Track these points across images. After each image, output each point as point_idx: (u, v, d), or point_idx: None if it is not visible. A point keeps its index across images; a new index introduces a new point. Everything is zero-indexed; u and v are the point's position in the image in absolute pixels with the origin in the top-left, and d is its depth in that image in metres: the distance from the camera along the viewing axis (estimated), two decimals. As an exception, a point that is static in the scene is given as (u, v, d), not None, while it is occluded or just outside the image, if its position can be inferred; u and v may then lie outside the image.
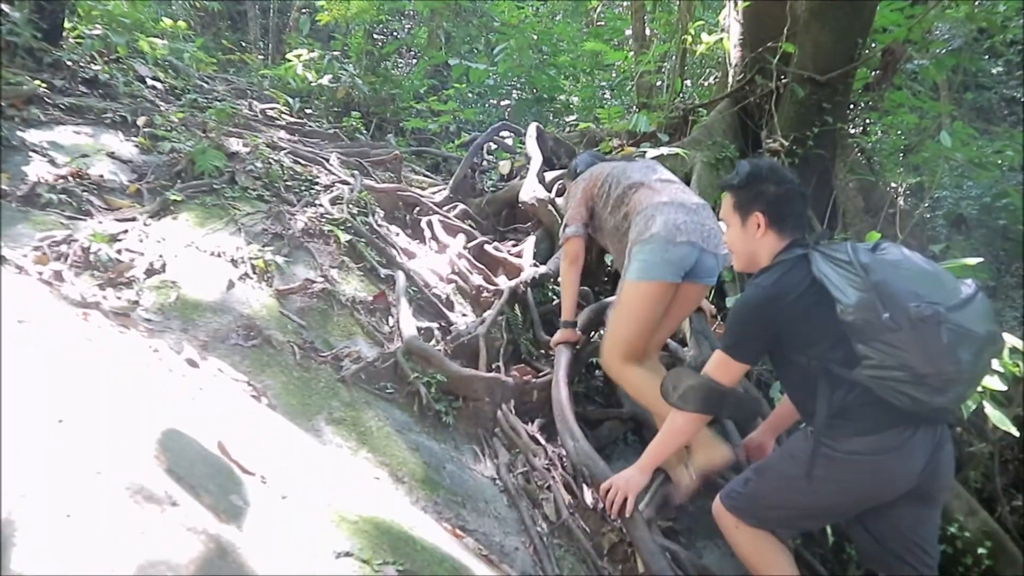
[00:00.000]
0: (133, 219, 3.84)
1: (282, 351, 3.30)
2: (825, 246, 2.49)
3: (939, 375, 2.24)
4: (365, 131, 6.57)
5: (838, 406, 2.41)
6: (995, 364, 3.60)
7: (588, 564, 2.88)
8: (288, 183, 4.72)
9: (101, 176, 4.13)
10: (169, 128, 4.92)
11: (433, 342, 3.74)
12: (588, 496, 3.10)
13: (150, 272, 3.42)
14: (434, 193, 5.28)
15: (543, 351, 3.90)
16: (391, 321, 3.86)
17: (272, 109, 6.45)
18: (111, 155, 4.44)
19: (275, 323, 3.46)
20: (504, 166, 5.44)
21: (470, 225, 4.99)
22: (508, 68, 8.04)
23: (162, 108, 5.34)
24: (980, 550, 3.27)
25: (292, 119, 6.44)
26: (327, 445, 2.84)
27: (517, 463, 3.25)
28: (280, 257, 3.82)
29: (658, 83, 7.02)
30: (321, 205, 4.43)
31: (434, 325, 3.89)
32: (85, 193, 3.93)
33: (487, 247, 4.67)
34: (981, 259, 3.95)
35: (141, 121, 4.93)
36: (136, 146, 4.66)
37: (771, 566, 2.61)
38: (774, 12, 5.18)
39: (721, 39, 5.57)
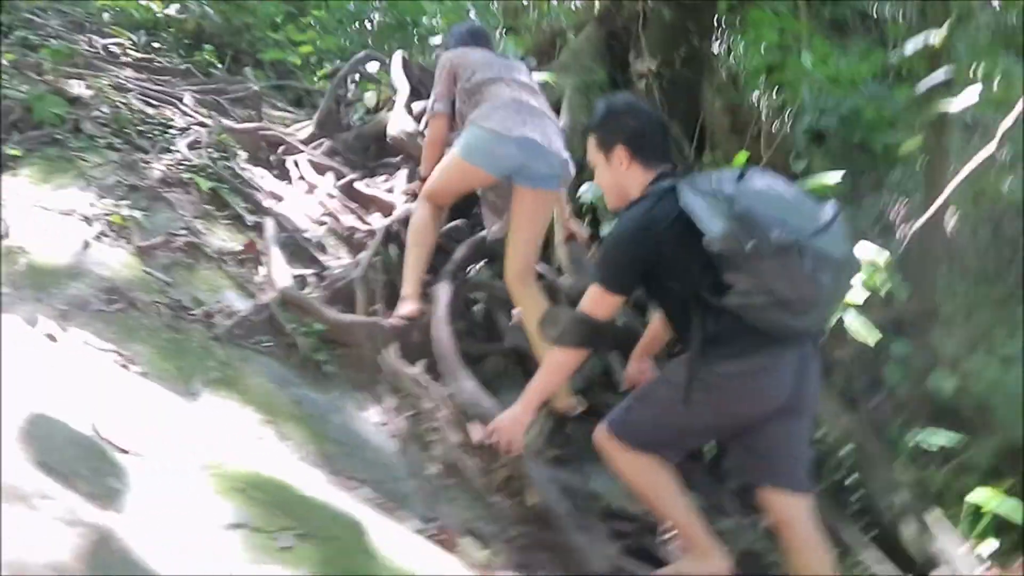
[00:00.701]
0: (-33, 179, 3.55)
1: (149, 313, 3.14)
2: (692, 177, 2.55)
3: (801, 300, 2.36)
4: (220, 65, 6.20)
5: (710, 332, 2.49)
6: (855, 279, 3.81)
7: (481, 501, 2.93)
8: (140, 128, 4.44)
9: (-77, 132, 3.78)
10: (-3, 73, 4.51)
11: (308, 290, 3.64)
12: (476, 433, 3.13)
13: (-7, 238, 3.18)
14: (299, 130, 5.07)
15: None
16: (262, 271, 3.73)
17: (115, 45, 5.99)
18: (-68, 106, 4.06)
19: (139, 283, 3.28)
20: (370, 98, 5.26)
21: (339, 162, 4.83)
22: (367, -11, 7.75)
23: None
24: (844, 449, 3.52)
25: (139, 55, 6.00)
26: (206, 408, 2.75)
27: (403, 407, 3.24)
28: (138, 212, 3.61)
29: (524, 3, 6.93)
30: (178, 151, 4.19)
31: (308, 272, 3.78)
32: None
33: (357, 184, 4.55)
34: (840, 174, 4.13)
35: (-37, 64, 4.50)
36: (-37, 92, 4.26)
37: (656, 487, 2.71)
38: (639, -69, 5.16)
39: (585, -42, 5.52)
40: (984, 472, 3.71)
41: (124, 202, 3.68)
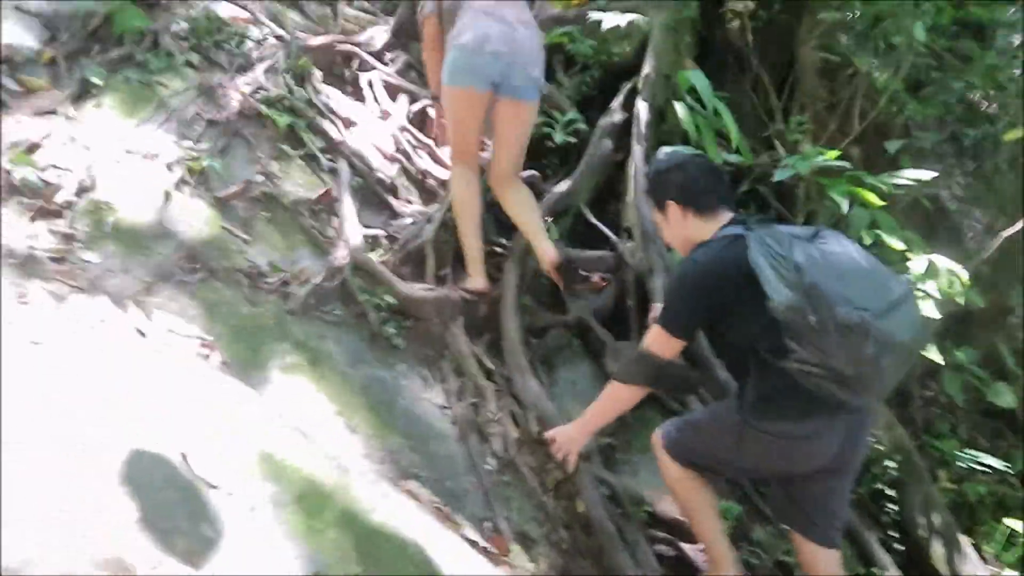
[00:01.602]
0: (53, 111, 3.56)
1: (228, 282, 3.26)
2: (764, 229, 2.52)
3: (860, 380, 2.37)
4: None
5: (764, 390, 2.54)
6: (932, 289, 3.76)
7: (535, 502, 3.12)
8: (217, 39, 4.34)
9: (10, 46, 3.75)
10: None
11: (379, 252, 3.69)
12: (534, 429, 3.27)
13: (81, 191, 3.24)
14: (373, 37, 4.90)
15: (494, 251, 3.89)
16: (335, 222, 3.77)
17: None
18: (18, 8, 4.00)
19: (218, 244, 3.37)
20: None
21: (415, 80, 4.71)
22: None
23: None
24: (890, 462, 3.62)
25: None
26: (282, 403, 2.90)
27: (466, 392, 3.38)
28: (216, 159, 3.62)
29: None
30: (255, 75, 4.11)
31: (379, 231, 3.81)
32: (-5, 72, 3.60)
33: (432, 111, 4.46)
34: (932, 174, 3.97)
35: (42, -47, 4.37)
36: (42, -11, 4.17)
37: (694, 503, 2.89)
38: None
39: None
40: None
41: (203, 144, 3.68)
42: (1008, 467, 3.80)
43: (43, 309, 2.64)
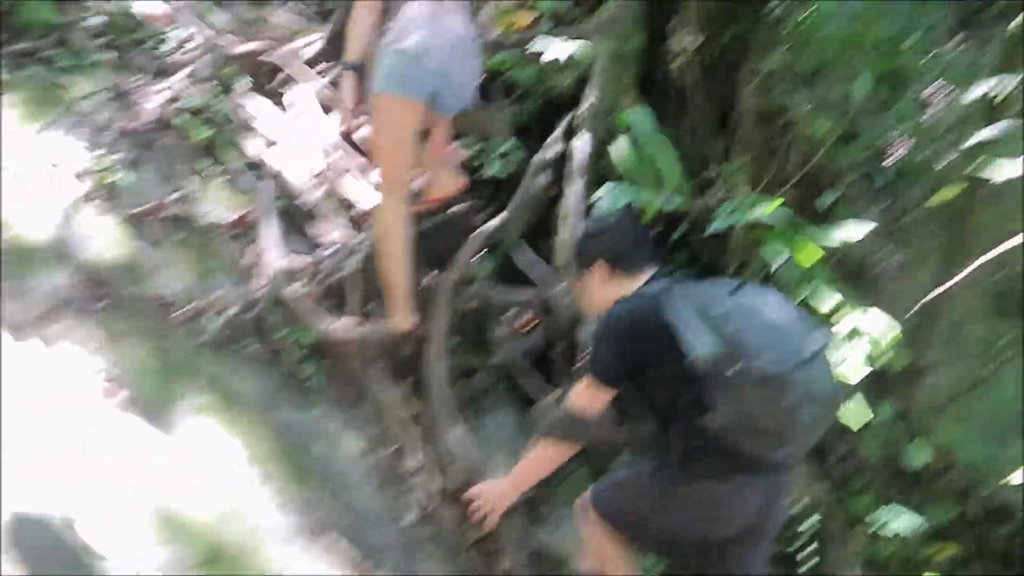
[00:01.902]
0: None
1: (135, 311, 3.01)
2: (684, 285, 2.53)
3: (779, 434, 2.34)
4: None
5: (681, 447, 2.48)
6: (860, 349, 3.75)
7: (455, 557, 2.97)
8: (136, 36, 4.06)
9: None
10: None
11: (300, 283, 3.48)
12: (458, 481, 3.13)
13: (-23, 202, 2.96)
14: (305, 46, 4.67)
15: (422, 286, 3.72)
16: (255, 248, 3.55)
17: None
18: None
19: (125, 267, 3.13)
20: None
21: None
22: None
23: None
24: (809, 520, 3.61)
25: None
26: (192, 449, 2.69)
27: (387, 438, 3.21)
28: (128, 172, 3.36)
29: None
30: (175, 81, 3.85)
31: (300, 257, 3.59)
32: None
33: (363, 131, 4.24)
34: (869, 227, 3.97)
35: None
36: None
37: (615, 561, 2.78)
38: None
39: None
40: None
41: (115, 153, 3.42)
42: (923, 521, 3.83)
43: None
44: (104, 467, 2.37)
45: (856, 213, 4.29)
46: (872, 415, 3.67)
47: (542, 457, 2.78)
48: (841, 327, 3.81)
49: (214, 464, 2.69)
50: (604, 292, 2.66)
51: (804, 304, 3.71)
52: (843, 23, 4.56)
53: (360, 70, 3.45)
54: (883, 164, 5.64)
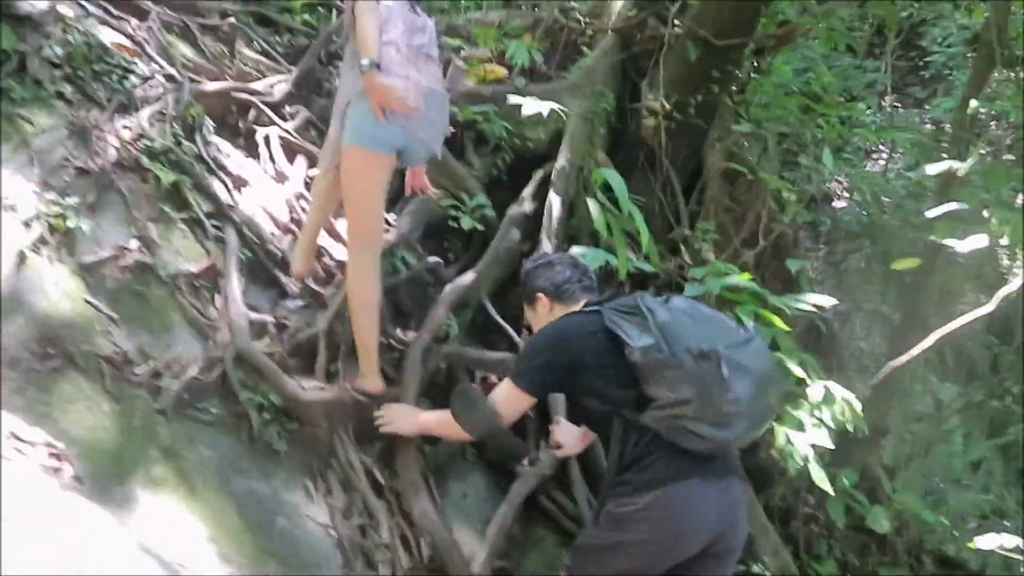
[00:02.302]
0: None
1: (89, 372, 2.80)
2: (622, 300, 2.75)
3: (718, 409, 2.46)
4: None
5: (629, 457, 2.55)
6: (826, 417, 3.81)
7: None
8: (96, 68, 3.84)
9: None
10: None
11: (266, 340, 3.31)
12: (426, 555, 2.99)
13: (-82, 247, 2.73)
14: (273, 87, 4.51)
15: (390, 345, 3.58)
16: (219, 302, 3.37)
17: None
18: None
19: (79, 322, 2.91)
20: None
21: (315, 139, 4.35)
22: None
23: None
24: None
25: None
26: (146, 529, 2.49)
27: (353, 509, 3.05)
28: (84, 217, 3.15)
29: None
30: (138, 119, 3.66)
31: (267, 311, 3.44)
32: None
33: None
34: (832, 300, 4.02)
35: None
36: None
37: None
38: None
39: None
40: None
41: (71, 195, 3.21)
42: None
43: None
44: (45, 556, 2.16)
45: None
46: (831, 488, 3.72)
47: (446, 424, 2.97)
48: (812, 392, 3.87)
49: (168, 547, 2.49)
50: (548, 319, 2.89)
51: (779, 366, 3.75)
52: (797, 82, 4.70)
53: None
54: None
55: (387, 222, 4.08)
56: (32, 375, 2.67)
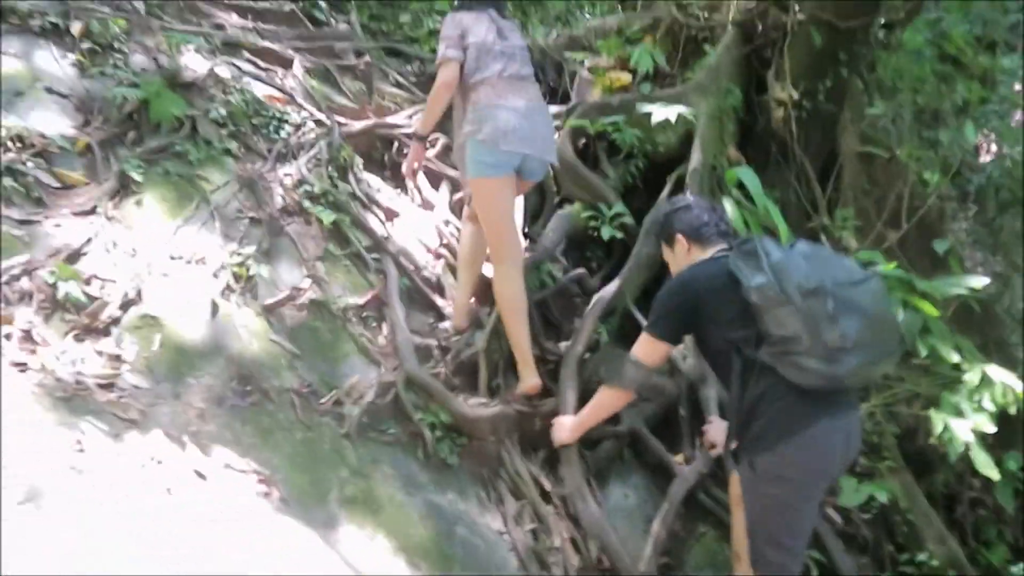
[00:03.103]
0: (92, 210, 3.41)
1: (281, 404, 3.12)
2: (743, 248, 2.81)
3: (827, 344, 2.53)
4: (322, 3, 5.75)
5: (751, 395, 2.69)
6: (987, 403, 3.71)
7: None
8: (254, 122, 4.21)
9: (44, 136, 3.59)
10: (110, 40, 4.21)
11: (432, 362, 3.57)
12: (595, 556, 3.16)
13: (126, 304, 3.11)
14: (411, 116, 4.79)
15: (545, 358, 3.77)
16: (384, 328, 3.65)
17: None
18: (49, 90, 3.86)
19: (268, 360, 3.24)
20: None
21: (453, 165, 4.58)
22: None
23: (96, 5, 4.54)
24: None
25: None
26: (344, 544, 2.77)
27: (524, 516, 3.26)
28: (262, 263, 3.49)
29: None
30: (297, 167, 3.99)
31: (428, 335, 3.70)
32: (31, 165, 3.45)
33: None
34: (985, 280, 3.91)
35: (76, 29, 4.20)
36: (73, 65, 4.03)
37: None
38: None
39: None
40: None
41: (248, 244, 3.55)
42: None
43: (99, 456, 2.49)
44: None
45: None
46: (997, 474, 3.62)
47: (603, 402, 3.18)
48: (969, 377, 3.77)
49: (365, 560, 2.76)
50: (686, 261, 3.01)
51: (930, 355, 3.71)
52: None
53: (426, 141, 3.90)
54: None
55: (528, 236, 4.29)
56: (235, 410, 3.00)
